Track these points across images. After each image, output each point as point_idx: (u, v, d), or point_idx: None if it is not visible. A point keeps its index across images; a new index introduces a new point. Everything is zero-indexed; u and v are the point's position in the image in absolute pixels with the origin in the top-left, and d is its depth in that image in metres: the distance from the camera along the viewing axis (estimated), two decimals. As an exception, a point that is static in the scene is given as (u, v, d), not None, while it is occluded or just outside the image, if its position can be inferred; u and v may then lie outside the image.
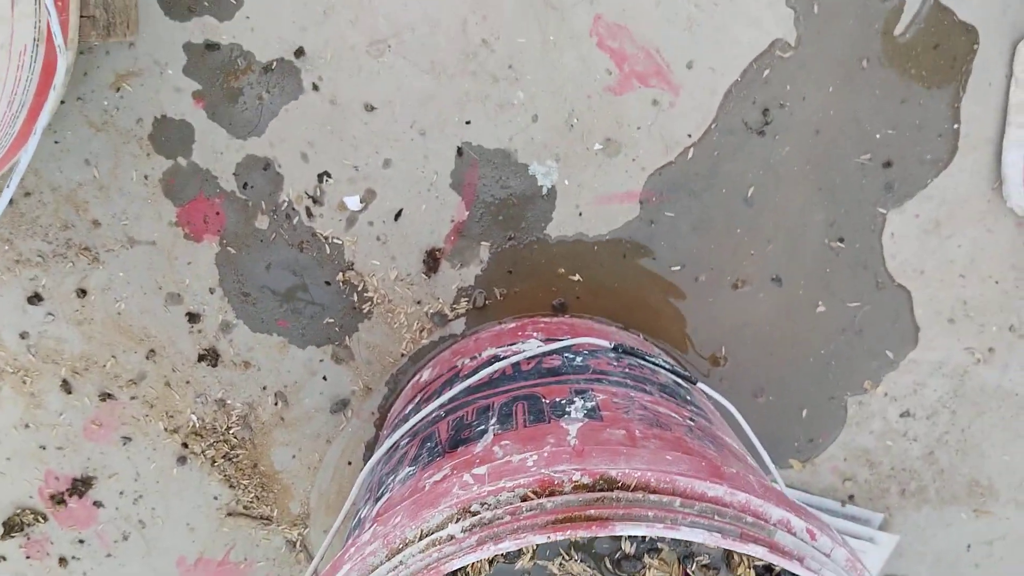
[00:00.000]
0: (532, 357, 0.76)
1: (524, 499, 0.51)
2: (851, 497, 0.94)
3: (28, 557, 0.93)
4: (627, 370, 0.75)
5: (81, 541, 0.93)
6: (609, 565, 0.59)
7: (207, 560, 0.94)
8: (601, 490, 0.51)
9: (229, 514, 0.92)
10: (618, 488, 0.51)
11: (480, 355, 0.81)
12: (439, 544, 0.50)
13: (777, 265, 0.86)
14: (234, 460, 0.90)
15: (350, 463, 0.91)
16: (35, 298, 0.84)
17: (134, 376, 0.87)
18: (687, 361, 0.89)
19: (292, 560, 0.94)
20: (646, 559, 0.58)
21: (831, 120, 0.82)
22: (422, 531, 0.52)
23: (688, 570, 0.59)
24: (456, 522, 0.51)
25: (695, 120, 0.82)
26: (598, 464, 0.52)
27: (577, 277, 0.86)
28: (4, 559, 0.93)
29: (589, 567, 0.59)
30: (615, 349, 0.77)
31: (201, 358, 0.87)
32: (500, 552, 0.48)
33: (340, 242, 0.84)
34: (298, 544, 0.94)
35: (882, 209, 0.86)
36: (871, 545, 0.94)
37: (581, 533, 0.48)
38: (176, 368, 0.87)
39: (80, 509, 0.91)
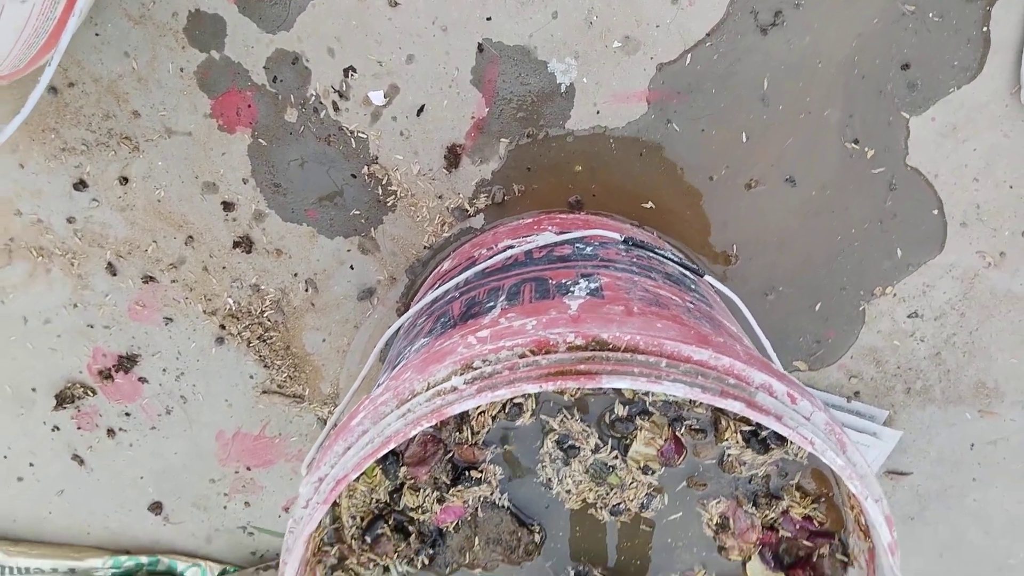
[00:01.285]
0: (544, 246, 0.79)
1: (522, 357, 0.56)
2: (856, 394, 0.97)
3: (79, 428, 1.01)
4: (635, 260, 0.78)
5: (127, 414, 1.00)
6: (607, 424, 0.64)
7: (244, 434, 1.01)
8: (593, 350, 0.55)
9: (264, 392, 0.98)
10: (608, 349, 0.55)
11: (496, 246, 0.85)
12: (443, 394, 0.55)
13: (792, 165, 0.88)
14: (268, 342, 0.96)
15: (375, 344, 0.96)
16: (80, 184, 0.90)
17: (174, 260, 0.93)
18: (697, 258, 0.92)
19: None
20: (638, 421, 0.63)
21: (855, 11, 0.82)
22: (428, 383, 0.56)
23: (677, 433, 0.63)
24: (459, 375, 0.56)
25: (713, 18, 0.83)
26: (591, 328, 0.56)
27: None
28: (58, 429, 1.01)
29: (587, 427, 0.64)
30: (625, 241, 0.81)
31: (236, 245, 0.92)
32: (497, 399, 0.53)
33: (365, 136, 0.88)
34: (328, 422, 1.00)
35: (905, 113, 0.86)
36: (875, 439, 0.97)
37: (571, 384, 0.52)
38: (213, 254, 0.92)
39: (126, 384, 0.98)
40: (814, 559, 0.68)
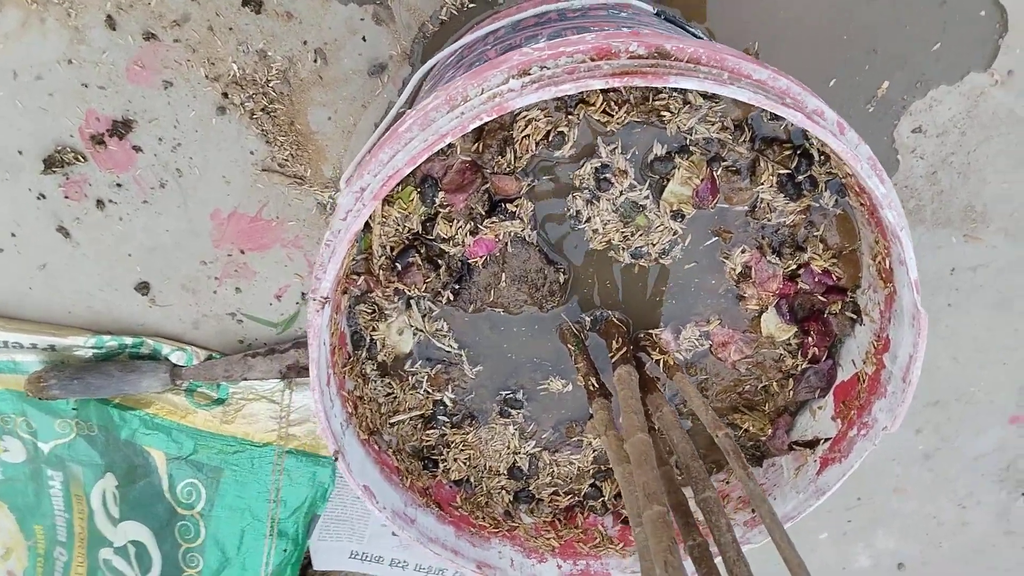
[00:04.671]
0: (577, 9, 0.78)
1: (582, 63, 0.55)
2: (853, 207, 1.00)
3: (67, 197, 0.98)
4: (668, 28, 0.78)
5: (119, 185, 0.97)
6: (645, 165, 0.64)
7: (241, 215, 0.99)
8: (655, 59, 0.55)
9: (264, 170, 0.96)
10: (671, 59, 0.55)
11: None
12: (500, 95, 0.54)
13: (819, -37, 0.87)
14: (272, 114, 0.93)
15: (386, 132, 0.94)
16: (81, -78, 0.84)
17: (178, 17, 0.88)
18: (719, 51, 0.92)
19: (322, 222, 0.99)
20: (677, 159, 0.63)
21: None
22: (483, 88, 0.55)
23: (715, 173, 0.64)
24: (516, 79, 0.55)
25: None
26: (653, 40, 0.55)
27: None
28: (43, 197, 0.97)
29: (628, 162, 0.64)
30: (658, 14, 0.80)
31: (245, 3, 0.88)
32: (561, 94, 0.52)
33: None
34: (328, 207, 0.98)
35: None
36: (864, 254, 1.00)
37: (637, 82, 0.52)
38: (220, 12, 0.88)
39: (119, 152, 0.95)
40: (825, 315, 0.70)
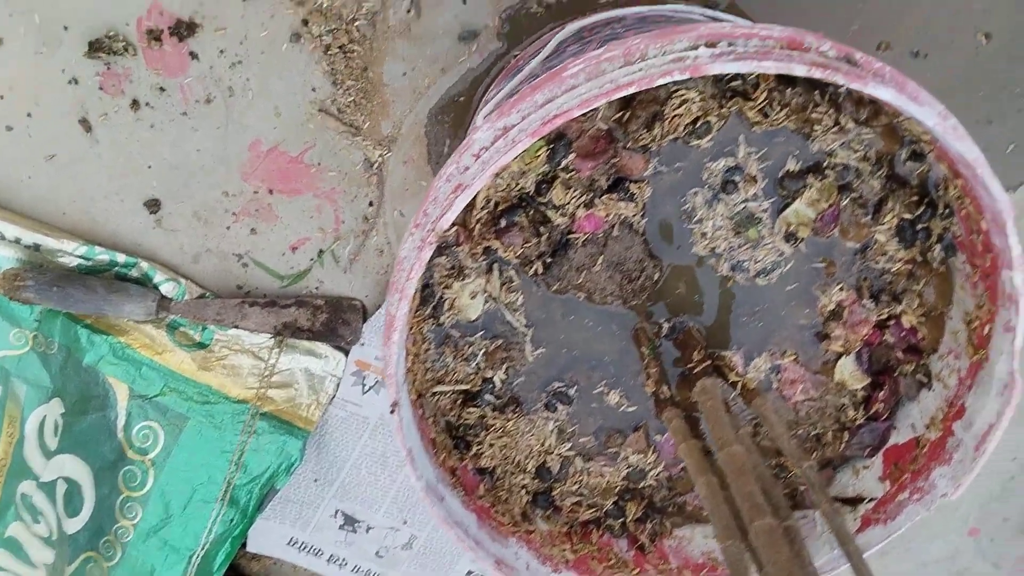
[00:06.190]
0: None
1: (774, 48, 0.53)
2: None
3: (101, 88, 0.90)
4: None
5: (162, 89, 0.90)
6: (775, 181, 0.63)
7: (282, 152, 0.93)
8: (843, 62, 0.54)
9: (321, 111, 0.91)
10: (859, 67, 0.54)
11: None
12: (688, 58, 0.52)
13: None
14: (348, 55, 0.88)
15: (458, 100, 0.91)
16: None
17: (280, -70, 0.84)
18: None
19: (364, 181, 0.94)
20: (809, 179, 0.62)
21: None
22: (666, 50, 0.53)
23: (842, 202, 0.63)
24: (706, 47, 0.53)
25: None
26: (843, 46, 0.54)
27: None
28: (76, 82, 0.90)
29: (762, 171, 0.62)
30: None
31: (356, -65, 0.84)
32: (764, 71, 0.50)
33: None
34: (375, 166, 0.94)
35: None
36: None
37: (839, 79, 0.50)
38: (325, -63, 0.84)
39: (174, 54, 0.89)
40: (895, 374, 0.69)
